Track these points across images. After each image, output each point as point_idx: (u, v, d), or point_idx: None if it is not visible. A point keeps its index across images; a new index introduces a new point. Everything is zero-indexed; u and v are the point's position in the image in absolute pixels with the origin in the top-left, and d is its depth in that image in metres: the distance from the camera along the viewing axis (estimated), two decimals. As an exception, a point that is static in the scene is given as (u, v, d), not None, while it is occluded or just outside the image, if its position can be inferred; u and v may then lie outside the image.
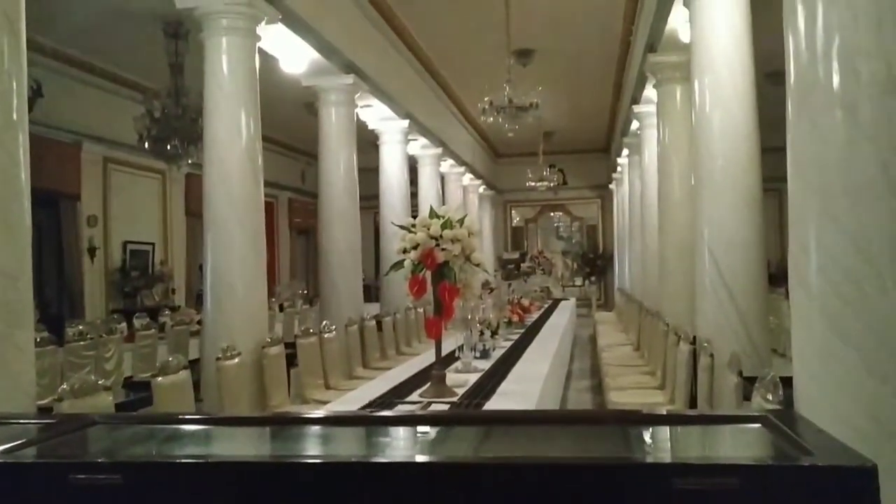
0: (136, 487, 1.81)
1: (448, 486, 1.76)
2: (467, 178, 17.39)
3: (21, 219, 3.43)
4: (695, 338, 5.21)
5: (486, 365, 5.02)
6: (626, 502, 1.71)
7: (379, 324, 7.76)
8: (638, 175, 11.84)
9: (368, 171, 10.23)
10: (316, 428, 2.42)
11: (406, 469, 1.83)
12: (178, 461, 2.02)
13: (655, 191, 8.50)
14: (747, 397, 3.24)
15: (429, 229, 3.74)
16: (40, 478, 1.89)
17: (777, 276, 8.60)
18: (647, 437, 2.25)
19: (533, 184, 17.11)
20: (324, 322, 6.66)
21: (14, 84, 3.40)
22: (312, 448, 2.34)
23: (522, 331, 7.47)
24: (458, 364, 4.79)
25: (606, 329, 11.53)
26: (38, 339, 5.54)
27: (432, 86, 12.87)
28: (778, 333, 8.18)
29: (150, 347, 8.02)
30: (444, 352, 4.17)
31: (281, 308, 12.21)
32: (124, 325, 8.54)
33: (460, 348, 4.88)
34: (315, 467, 1.89)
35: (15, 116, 3.42)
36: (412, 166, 12.18)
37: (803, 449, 1.75)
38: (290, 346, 6.07)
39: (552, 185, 17.50)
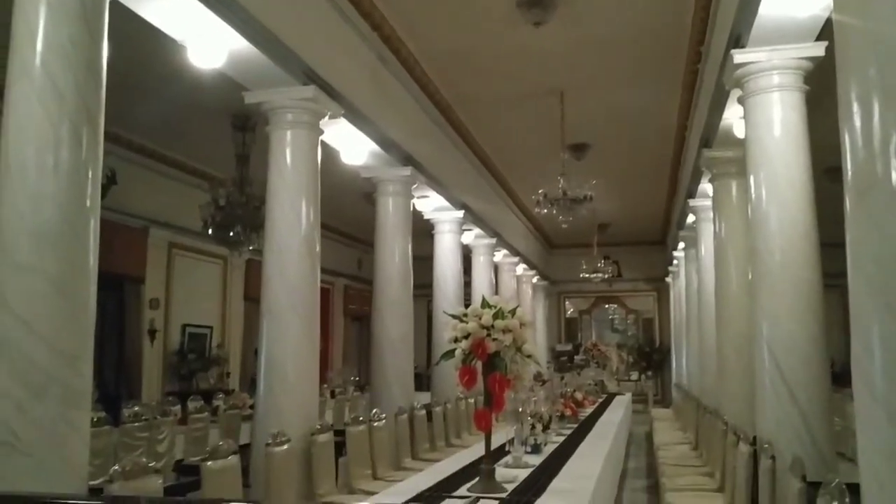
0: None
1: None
2: (521, 269, 17.40)
3: (86, 302, 3.55)
4: (755, 438, 5.01)
5: (537, 460, 4.89)
6: None
7: (429, 413, 7.68)
8: (695, 269, 11.68)
9: (423, 259, 10.34)
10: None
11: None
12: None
13: (712, 285, 8.34)
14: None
15: (480, 319, 3.74)
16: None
17: (841, 376, 8.28)
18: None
19: (587, 275, 17.02)
20: (374, 410, 6.62)
21: (90, 173, 3.59)
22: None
23: (575, 426, 7.29)
24: (508, 458, 4.68)
25: (663, 426, 11.17)
26: (95, 420, 5.64)
27: (487, 177, 13.08)
28: (845, 437, 7.79)
29: (203, 431, 8.08)
30: (494, 445, 4.10)
31: (332, 395, 12.20)
32: (178, 407, 8.63)
33: (510, 442, 4.77)
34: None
35: (88, 203, 3.58)
36: (466, 255, 12.26)
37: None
38: (340, 433, 6.04)
39: (607, 277, 17.37)
